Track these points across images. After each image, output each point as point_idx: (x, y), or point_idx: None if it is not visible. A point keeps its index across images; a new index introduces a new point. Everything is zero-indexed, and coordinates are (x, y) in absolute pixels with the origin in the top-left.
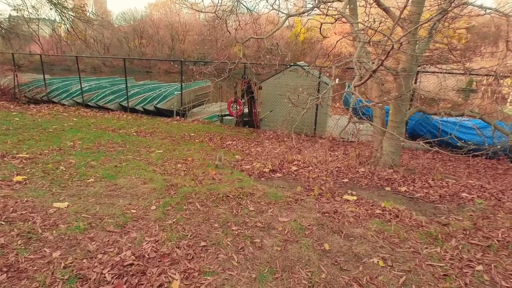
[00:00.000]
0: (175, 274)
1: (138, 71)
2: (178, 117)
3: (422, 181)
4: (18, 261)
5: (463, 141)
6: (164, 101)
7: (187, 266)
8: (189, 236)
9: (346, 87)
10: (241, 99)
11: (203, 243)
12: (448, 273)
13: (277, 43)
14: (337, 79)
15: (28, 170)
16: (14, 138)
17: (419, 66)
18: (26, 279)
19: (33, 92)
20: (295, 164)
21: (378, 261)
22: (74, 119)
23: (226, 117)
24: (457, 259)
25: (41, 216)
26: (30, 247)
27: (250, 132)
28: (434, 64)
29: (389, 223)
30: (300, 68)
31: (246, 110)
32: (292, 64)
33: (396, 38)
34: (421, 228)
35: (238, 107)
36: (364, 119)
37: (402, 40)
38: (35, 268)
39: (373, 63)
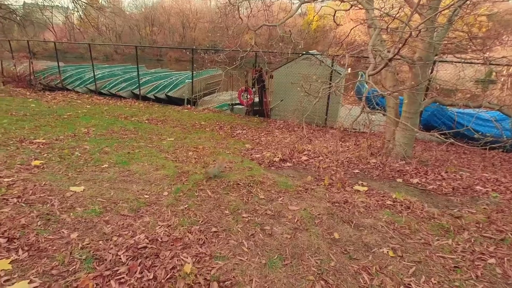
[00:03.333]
0: (187, 258)
1: (149, 59)
2: (189, 106)
3: (435, 173)
4: (38, 241)
5: (480, 133)
6: (175, 89)
7: (199, 251)
8: (200, 221)
9: (359, 77)
10: (252, 88)
11: (214, 229)
12: (459, 265)
13: (290, 30)
14: (349, 68)
15: (45, 155)
16: (31, 124)
17: (436, 55)
18: (46, 258)
19: (48, 79)
20: (305, 154)
21: (388, 251)
22: (87, 106)
23: (237, 106)
24: (469, 252)
25: (59, 199)
26: (49, 228)
27: (260, 121)
28: (452, 53)
29: (400, 214)
30: (312, 56)
31: (256, 99)
32: (304, 52)
33: (414, 25)
34: (432, 220)
35: (248, 96)
36: (377, 110)
37: (420, 27)
38: (54, 248)
39: (388, 51)
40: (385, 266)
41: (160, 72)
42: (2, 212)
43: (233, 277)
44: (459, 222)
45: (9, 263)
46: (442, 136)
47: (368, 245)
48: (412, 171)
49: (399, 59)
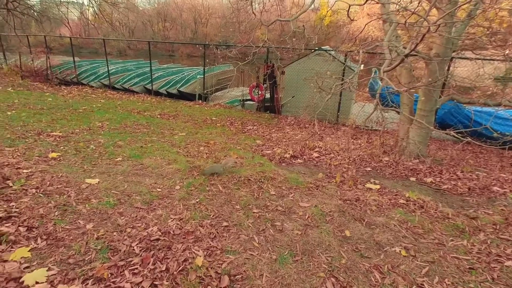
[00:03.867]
0: (199, 251)
1: (162, 54)
2: (200, 101)
3: (450, 173)
4: (56, 231)
5: (498, 132)
6: (187, 85)
7: (210, 244)
8: (211, 216)
9: (373, 73)
10: (263, 84)
11: (225, 223)
12: (474, 266)
13: (303, 25)
14: (362, 65)
15: (61, 147)
16: (48, 117)
17: (454, 51)
18: (63, 247)
19: (64, 74)
20: (317, 151)
21: (400, 251)
22: (101, 100)
23: (248, 102)
24: (485, 253)
25: (75, 191)
26: (66, 218)
27: (271, 117)
28: (470, 49)
29: (413, 213)
30: (325, 52)
31: (267, 95)
32: (317, 48)
33: (431, 20)
34: (447, 220)
35: (259, 92)
36: (391, 107)
37: (439, 22)
38: (71, 237)
39: (404, 47)
40: (397, 265)
41: (172, 67)
42: (22, 202)
43: (244, 271)
44: (474, 223)
45: (29, 251)
46: (459, 135)
47: (380, 244)
48: (426, 170)
49: (415, 55)
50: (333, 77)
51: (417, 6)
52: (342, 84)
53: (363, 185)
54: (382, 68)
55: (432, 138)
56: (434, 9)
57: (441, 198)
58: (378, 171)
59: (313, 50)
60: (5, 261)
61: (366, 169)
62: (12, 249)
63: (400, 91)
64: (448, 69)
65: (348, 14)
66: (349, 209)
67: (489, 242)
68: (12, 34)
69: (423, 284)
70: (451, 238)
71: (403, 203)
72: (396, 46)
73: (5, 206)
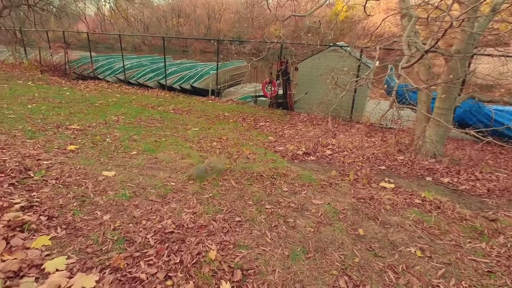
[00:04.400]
0: (212, 245)
1: (175, 50)
2: (213, 97)
3: (468, 173)
4: (75, 221)
5: None
6: (200, 80)
7: (223, 239)
8: (224, 210)
9: (389, 70)
10: (276, 80)
11: (237, 218)
12: (493, 270)
13: (319, 21)
14: (377, 62)
15: (79, 140)
16: (66, 111)
17: (475, 48)
18: (81, 236)
19: (81, 68)
20: (330, 148)
21: (415, 251)
22: (117, 95)
23: (260, 98)
24: (504, 257)
25: (92, 183)
26: (84, 209)
27: (284, 114)
28: (493, 45)
29: (429, 213)
30: (340, 48)
31: (280, 92)
32: (332, 44)
33: (452, 14)
34: (464, 222)
35: (272, 88)
36: (407, 105)
37: (463, 17)
38: (89, 228)
39: (424, 43)
40: (412, 265)
41: (185, 63)
42: (42, 192)
43: (256, 266)
44: (494, 225)
45: (49, 240)
46: (479, 134)
47: (395, 244)
48: (443, 170)
49: (435, 51)
50: (350, 73)
51: (440, 1)
52: (358, 80)
53: (377, 184)
54: (401, 65)
55: (449, 137)
56: (456, 3)
57: (459, 199)
58: (393, 170)
59: (327, 46)
60: (28, 248)
61: (380, 167)
62: (34, 237)
63: (422, 88)
64: (469, 66)
65: (364, 9)
66: (363, 208)
67: (509, 246)
68: (33, 30)
69: (439, 286)
70: (468, 240)
71: (419, 203)
72: (415, 41)
73: (27, 195)
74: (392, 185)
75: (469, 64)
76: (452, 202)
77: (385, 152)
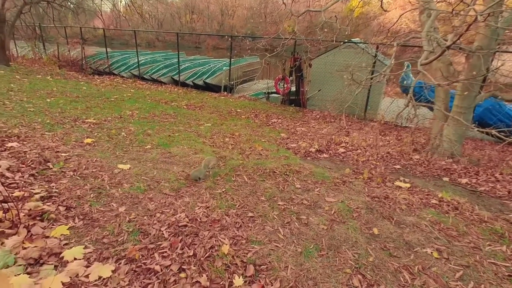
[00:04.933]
0: (225, 239)
1: (188, 46)
2: (225, 93)
3: (487, 174)
4: (92, 212)
5: None
6: (213, 76)
7: (236, 233)
8: (237, 206)
9: (405, 67)
10: (289, 77)
11: (250, 214)
12: None
13: (335, 16)
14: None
15: (95, 134)
16: (83, 105)
17: (498, 44)
18: (98, 227)
19: (97, 64)
20: (343, 146)
21: (432, 252)
22: (131, 90)
23: (272, 95)
24: None
25: (108, 175)
26: (101, 200)
27: (296, 111)
28: None
29: (446, 214)
30: (355, 45)
31: (293, 89)
32: (346, 40)
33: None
34: (484, 224)
35: (285, 85)
36: (425, 103)
37: (488, 11)
38: (105, 219)
39: (445, 39)
40: (428, 267)
41: (198, 59)
42: (61, 183)
43: (269, 262)
44: None
45: (68, 229)
46: (501, 133)
47: (410, 244)
48: (461, 170)
49: (456, 48)
50: (368, 69)
51: None
52: (375, 76)
53: (392, 183)
54: (419, 61)
55: (467, 137)
56: None
57: (478, 200)
58: (408, 169)
59: (342, 43)
60: (47, 237)
61: (395, 166)
62: (53, 226)
63: (443, 84)
64: (491, 63)
65: (381, 4)
66: (377, 207)
67: None
68: (51, 26)
69: None
70: (488, 243)
71: (436, 204)
72: (436, 37)
73: (46, 186)
74: (408, 185)
75: (491, 61)
76: (470, 204)
77: (400, 151)
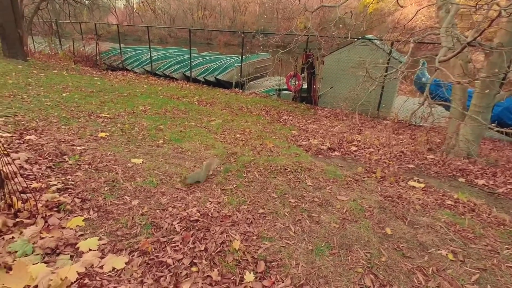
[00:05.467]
0: (236, 235)
1: (200, 42)
2: (236, 89)
3: (505, 176)
4: (106, 204)
5: None
6: (224, 73)
7: (247, 229)
8: (248, 202)
9: (420, 65)
10: (301, 74)
11: (261, 210)
12: None
13: (351, 11)
14: (408, 55)
15: (109, 128)
16: (97, 100)
17: None
18: (112, 219)
19: (111, 59)
20: (355, 144)
21: (447, 254)
22: (144, 86)
23: (283, 92)
24: None
25: (122, 169)
26: (114, 193)
27: (307, 108)
28: None
29: (462, 216)
30: (369, 42)
31: (304, 86)
32: (360, 37)
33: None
34: (502, 227)
35: (297, 82)
36: (441, 101)
37: None
38: (119, 211)
39: (465, 36)
40: (443, 269)
41: (210, 55)
42: (76, 175)
43: (280, 259)
44: None
45: (83, 221)
46: None
47: (424, 245)
48: (478, 171)
49: (475, 45)
50: (384, 65)
51: None
52: (391, 73)
53: (406, 183)
54: (438, 58)
55: (484, 137)
56: None
57: (495, 202)
58: (422, 169)
59: (355, 39)
60: (63, 228)
61: (409, 166)
62: (68, 218)
63: (463, 82)
64: (511, 61)
65: (397, 0)
66: (390, 206)
67: None
68: (67, 22)
69: None
70: (506, 246)
71: (451, 205)
72: (456, 33)
73: (62, 178)
74: (422, 185)
75: (510, 60)
76: (488, 205)
77: (414, 151)
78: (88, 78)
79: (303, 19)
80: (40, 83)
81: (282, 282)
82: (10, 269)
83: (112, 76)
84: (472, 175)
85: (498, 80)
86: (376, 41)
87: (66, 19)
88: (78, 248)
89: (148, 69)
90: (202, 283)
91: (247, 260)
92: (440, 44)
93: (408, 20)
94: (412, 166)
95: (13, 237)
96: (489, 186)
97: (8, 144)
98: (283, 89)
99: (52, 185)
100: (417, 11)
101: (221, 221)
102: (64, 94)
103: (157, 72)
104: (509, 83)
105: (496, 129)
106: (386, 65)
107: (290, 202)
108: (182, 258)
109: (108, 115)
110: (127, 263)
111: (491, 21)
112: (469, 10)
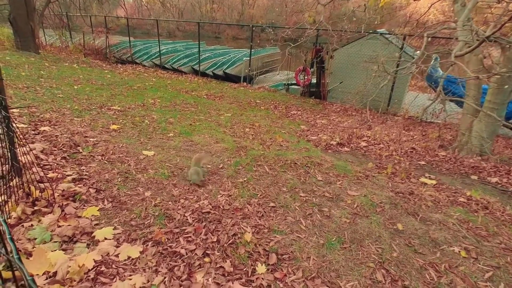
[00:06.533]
0: (247, 228)
1: (208, 36)
2: (245, 83)
3: None
4: (120, 195)
5: None
6: (233, 67)
7: (258, 222)
8: (259, 195)
9: (433, 60)
10: (310, 69)
11: (272, 204)
12: None
13: (364, 4)
14: (417, 51)
15: (120, 120)
16: (108, 93)
17: None
18: (126, 210)
19: (120, 53)
20: (365, 140)
21: (459, 251)
22: (153, 79)
23: (292, 86)
24: None
25: (134, 161)
26: (128, 184)
27: (316, 103)
28: None
29: (475, 213)
30: (380, 36)
31: (313, 80)
32: (371, 31)
33: None
34: None
35: (306, 77)
36: (455, 97)
37: None
38: (132, 202)
39: (484, 31)
40: (455, 265)
41: (218, 49)
42: (90, 166)
43: (291, 252)
44: None
45: (98, 210)
46: None
47: (436, 241)
48: (491, 168)
49: (492, 39)
50: (397, 59)
51: None
52: (405, 68)
53: (417, 179)
54: (454, 52)
55: (497, 134)
56: None
57: (509, 200)
58: (434, 165)
59: (366, 33)
60: (79, 217)
61: (420, 162)
62: (84, 207)
63: (482, 77)
64: None
65: None
66: (402, 202)
67: None
68: (77, 15)
69: None
70: None
71: (464, 202)
72: (474, 27)
73: (77, 169)
74: (434, 181)
75: None
76: (501, 203)
77: (425, 147)
78: (98, 71)
79: (313, 12)
80: (52, 75)
81: (294, 275)
82: (30, 255)
83: (121, 69)
84: (485, 173)
85: (508, 79)
86: (387, 35)
87: (77, 12)
88: (94, 236)
89: (157, 63)
90: (215, 274)
91: (259, 252)
92: (454, 38)
93: (420, 15)
94: (423, 162)
95: (32, 225)
96: (502, 184)
97: (24, 135)
98: (292, 84)
99: (68, 175)
100: (431, 5)
101: (232, 213)
102: (75, 87)
103: (165, 65)
104: None
105: (509, 125)
106: (400, 60)
107: (301, 196)
108: (195, 249)
109: (119, 108)
110: (141, 252)
111: (511, 16)
112: (488, 3)
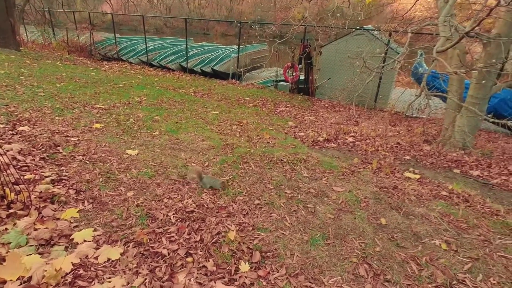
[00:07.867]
0: (231, 226)
1: (197, 32)
2: (233, 80)
3: (500, 167)
4: (101, 195)
5: None
6: (221, 64)
7: (242, 220)
8: (244, 193)
9: (418, 55)
10: (298, 65)
11: (257, 201)
12: None
13: (348, 0)
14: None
15: (104, 119)
16: (92, 91)
17: None
18: (107, 211)
19: (106, 50)
20: (351, 136)
21: (440, 244)
22: (140, 76)
23: (281, 83)
24: None
25: (117, 160)
26: (109, 185)
27: (305, 99)
28: None
29: (456, 206)
30: (367, 32)
31: (302, 77)
32: (358, 28)
33: None
34: (495, 217)
35: (294, 73)
36: (438, 92)
37: None
38: (114, 203)
39: (463, 26)
40: (436, 258)
41: (207, 45)
42: (70, 167)
43: (275, 249)
44: None
45: (77, 212)
46: None
47: (418, 235)
48: (473, 162)
49: (473, 35)
50: (381, 55)
51: None
52: (389, 63)
53: (401, 174)
54: (435, 48)
55: (480, 129)
56: None
57: (489, 193)
58: (418, 160)
59: (353, 30)
60: (58, 219)
61: (405, 157)
62: (63, 209)
63: (460, 72)
64: (508, 52)
65: None
66: (386, 197)
67: None
68: (60, 11)
69: (464, 281)
70: (499, 236)
71: (445, 195)
72: (454, 23)
73: (56, 169)
74: (417, 176)
75: (508, 51)
76: (482, 196)
77: (410, 142)
78: (83, 68)
79: (301, 9)
80: (33, 73)
81: (277, 272)
82: (4, 260)
83: (107, 66)
84: (467, 166)
85: (495, 71)
86: (374, 31)
87: (59, 8)
88: (73, 239)
89: (143, 60)
90: (197, 273)
91: (243, 250)
92: (434, 34)
93: (406, 11)
94: (408, 157)
95: (6, 229)
96: (483, 177)
97: (1, 135)
98: (280, 80)
99: (46, 176)
100: (416, 1)
101: (216, 212)
102: (58, 85)
103: (153, 62)
104: (506, 74)
105: (492, 120)
106: (384, 55)
107: (286, 193)
108: (177, 249)
109: (103, 106)
110: (122, 254)
111: (490, 10)
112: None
